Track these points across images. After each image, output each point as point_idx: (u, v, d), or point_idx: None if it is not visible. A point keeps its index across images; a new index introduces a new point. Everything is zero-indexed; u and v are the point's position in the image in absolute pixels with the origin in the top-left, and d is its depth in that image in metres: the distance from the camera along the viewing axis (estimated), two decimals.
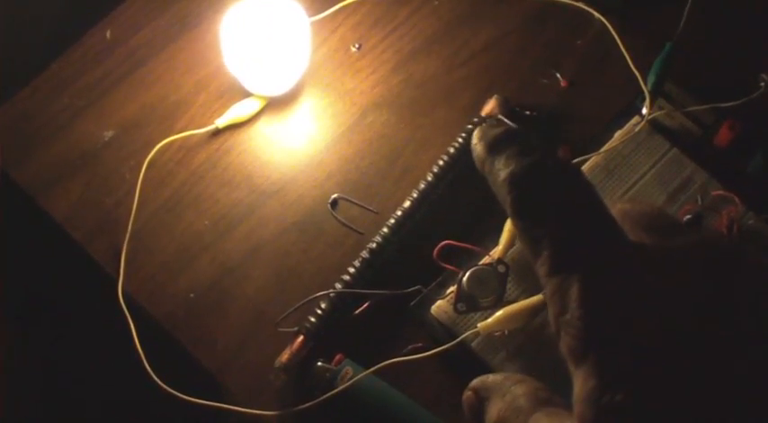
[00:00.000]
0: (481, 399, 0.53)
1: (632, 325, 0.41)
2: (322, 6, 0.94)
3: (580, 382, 0.41)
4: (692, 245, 0.45)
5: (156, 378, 0.77)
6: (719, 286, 0.42)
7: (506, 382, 0.53)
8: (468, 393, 0.54)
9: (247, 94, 0.90)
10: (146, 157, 0.87)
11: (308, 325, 0.78)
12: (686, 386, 0.40)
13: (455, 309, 0.78)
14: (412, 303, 0.80)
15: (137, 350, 0.79)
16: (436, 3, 0.96)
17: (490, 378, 0.54)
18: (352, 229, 0.85)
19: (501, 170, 0.47)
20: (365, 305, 0.79)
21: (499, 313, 0.76)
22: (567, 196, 0.46)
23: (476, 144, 0.51)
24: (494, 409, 0.51)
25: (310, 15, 0.90)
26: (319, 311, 0.79)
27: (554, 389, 0.62)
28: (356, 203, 0.86)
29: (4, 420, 0.97)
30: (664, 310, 0.41)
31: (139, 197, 0.86)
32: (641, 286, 0.42)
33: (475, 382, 0.54)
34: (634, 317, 0.41)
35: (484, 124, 0.52)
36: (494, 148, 0.49)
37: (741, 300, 0.42)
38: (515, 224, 0.47)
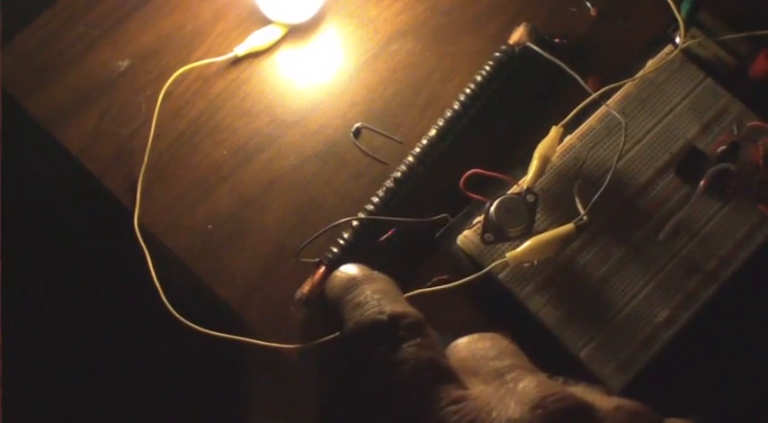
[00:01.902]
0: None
1: None
2: None
3: None
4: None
5: (173, 311, 0.75)
6: None
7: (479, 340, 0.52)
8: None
9: (267, 22, 0.88)
10: (162, 86, 0.84)
11: (329, 255, 0.76)
12: None
13: (482, 239, 0.76)
14: (437, 234, 0.78)
15: (153, 284, 0.77)
16: None
17: (462, 341, 0.52)
18: (375, 158, 0.83)
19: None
20: (390, 233, 0.77)
21: (528, 243, 0.74)
22: None
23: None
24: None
25: None
26: (341, 241, 0.77)
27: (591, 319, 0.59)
28: (380, 133, 0.84)
29: (20, 359, 0.96)
30: None
31: (156, 128, 0.83)
32: None
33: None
34: None
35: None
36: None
37: None
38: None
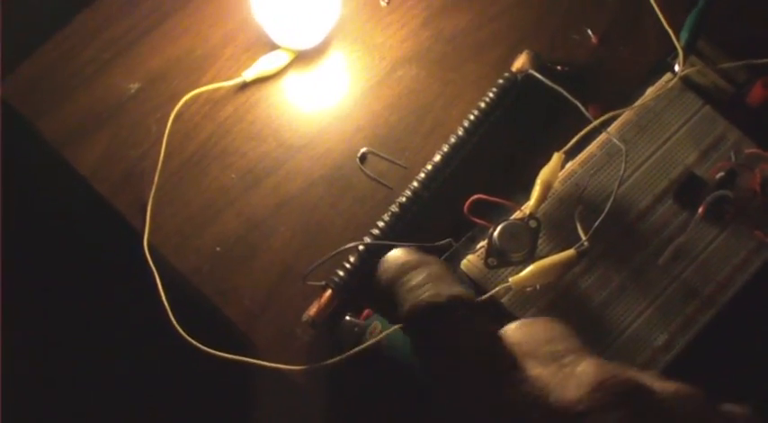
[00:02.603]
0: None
1: None
2: None
3: None
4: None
5: (182, 332, 0.77)
6: None
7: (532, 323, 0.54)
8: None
9: (275, 47, 0.89)
10: (172, 109, 0.86)
11: (336, 279, 0.78)
12: None
13: (486, 263, 0.77)
14: (442, 258, 0.79)
15: (162, 304, 0.78)
16: None
17: (512, 325, 0.54)
18: (380, 183, 0.85)
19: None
20: None
21: (531, 268, 0.75)
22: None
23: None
24: None
25: None
26: (347, 265, 0.78)
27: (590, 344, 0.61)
28: (385, 158, 0.86)
29: (28, 372, 0.97)
30: None
31: (165, 150, 0.85)
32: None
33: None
34: None
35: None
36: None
37: None
38: None
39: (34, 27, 0.93)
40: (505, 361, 0.51)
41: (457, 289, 0.54)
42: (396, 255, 0.58)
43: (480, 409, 0.49)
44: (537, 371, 0.49)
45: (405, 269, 0.57)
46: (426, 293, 0.53)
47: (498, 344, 0.52)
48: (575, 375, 0.48)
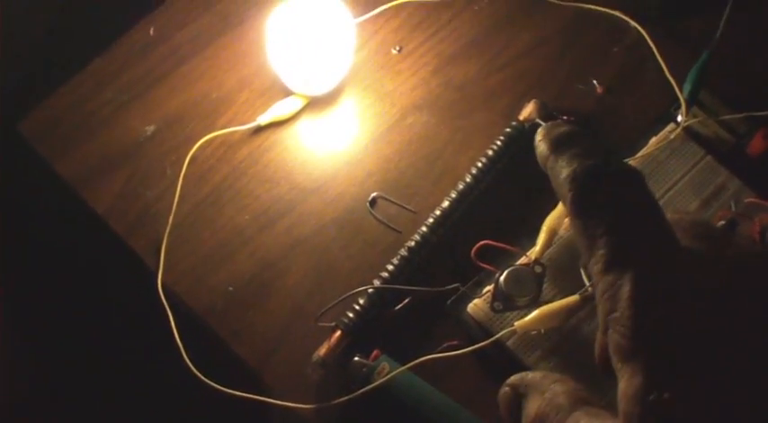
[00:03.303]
0: (519, 395, 0.54)
1: (682, 327, 0.42)
2: (365, 8, 0.95)
3: (626, 380, 0.42)
4: (746, 256, 0.47)
5: (195, 370, 0.78)
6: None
7: (545, 380, 0.53)
8: (505, 389, 0.54)
9: (289, 93, 0.92)
10: (187, 152, 0.88)
11: (345, 320, 0.79)
12: (730, 387, 0.41)
13: (492, 307, 0.79)
14: (449, 301, 0.81)
15: (176, 343, 0.80)
16: (476, 8, 0.98)
17: (529, 375, 0.54)
18: (390, 227, 0.87)
19: (564, 168, 0.48)
20: (405, 301, 0.80)
21: (536, 312, 0.77)
22: (626, 198, 0.47)
23: (539, 141, 0.52)
24: (532, 405, 0.52)
25: (354, 17, 0.92)
26: (357, 307, 0.80)
27: (591, 389, 0.62)
28: (395, 203, 0.88)
29: (42, 411, 0.98)
30: (713, 314, 0.43)
31: (181, 191, 0.87)
32: (693, 290, 0.43)
33: (513, 378, 0.54)
34: (684, 319, 0.42)
35: (549, 123, 0.53)
36: (558, 146, 0.50)
37: None
38: (573, 222, 0.48)
39: (53, 68, 0.95)
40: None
41: (614, 158, 0.52)
42: (557, 124, 0.56)
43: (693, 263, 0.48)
44: None
45: (568, 136, 0.51)
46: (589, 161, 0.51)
47: None
48: None
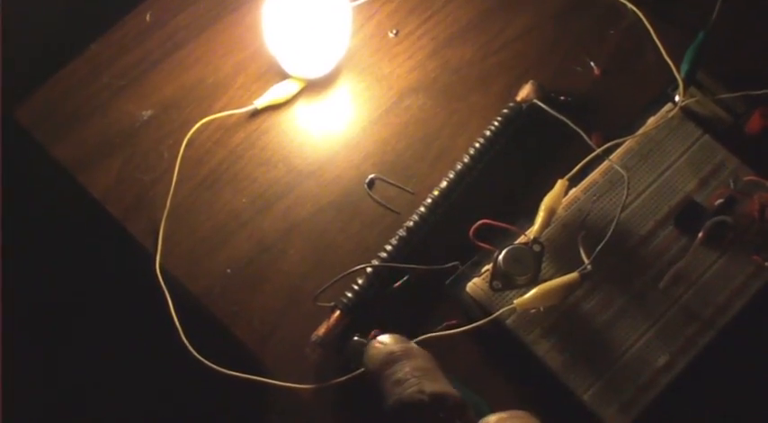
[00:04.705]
0: None
1: None
2: None
3: None
4: None
5: (194, 352, 0.78)
6: None
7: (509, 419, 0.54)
8: None
9: (286, 77, 0.92)
10: (184, 136, 0.88)
11: (344, 300, 0.79)
12: None
13: (491, 286, 0.79)
14: (448, 281, 0.81)
15: (174, 325, 0.80)
16: None
17: (492, 419, 0.54)
18: (388, 208, 0.87)
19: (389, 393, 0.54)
20: (404, 279, 0.80)
21: (534, 290, 0.77)
22: None
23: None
24: None
25: (351, 0, 0.92)
26: (356, 287, 0.80)
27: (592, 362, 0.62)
28: (393, 184, 0.87)
29: (40, 392, 0.98)
30: None
31: (178, 175, 0.87)
32: None
33: None
34: None
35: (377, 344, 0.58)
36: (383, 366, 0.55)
37: None
38: None
39: (48, 55, 0.95)
40: None
41: (441, 385, 0.54)
42: (382, 343, 0.58)
43: None
44: None
45: (390, 359, 0.56)
46: (410, 389, 0.53)
47: None
48: None
